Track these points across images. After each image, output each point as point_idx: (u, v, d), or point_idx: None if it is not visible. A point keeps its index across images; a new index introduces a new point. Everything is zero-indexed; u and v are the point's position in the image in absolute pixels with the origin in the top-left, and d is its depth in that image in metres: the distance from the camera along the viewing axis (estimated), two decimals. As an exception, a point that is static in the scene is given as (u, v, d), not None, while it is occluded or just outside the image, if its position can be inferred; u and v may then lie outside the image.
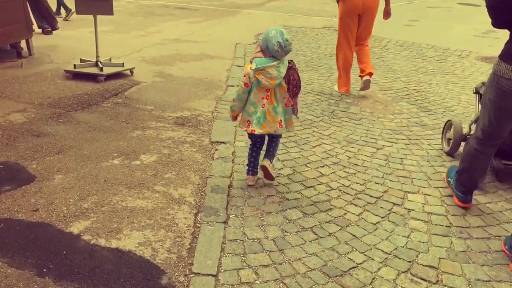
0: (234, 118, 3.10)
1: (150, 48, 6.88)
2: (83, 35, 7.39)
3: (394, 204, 2.99)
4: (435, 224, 2.80)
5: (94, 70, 5.18)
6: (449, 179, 3.20)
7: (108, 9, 5.04)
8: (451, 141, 3.68)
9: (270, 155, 3.08)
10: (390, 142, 3.99)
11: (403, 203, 3.01)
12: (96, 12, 5.06)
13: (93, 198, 2.79)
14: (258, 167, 3.10)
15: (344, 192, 3.10)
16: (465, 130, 3.64)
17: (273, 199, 2.95)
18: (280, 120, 2.89)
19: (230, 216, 2.73)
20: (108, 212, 2.66)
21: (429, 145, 3.98)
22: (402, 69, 6.56)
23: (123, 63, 5.41)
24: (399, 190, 3.18)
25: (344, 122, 4.40)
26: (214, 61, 6.43)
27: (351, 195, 3.06)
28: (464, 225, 2.82)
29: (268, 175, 3.05)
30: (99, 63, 5.28)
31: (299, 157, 3.57)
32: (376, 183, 3.25)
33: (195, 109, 4.51)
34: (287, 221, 2.73)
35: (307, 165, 3.45)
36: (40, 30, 7.37)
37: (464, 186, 2.92)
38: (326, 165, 3.47)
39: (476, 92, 3.60)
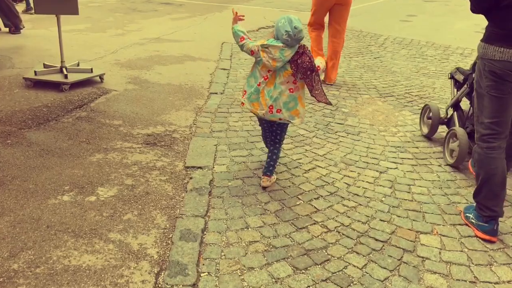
0: (237, 17, 3.02)
1: (127, 49, 6.26)
2: (56, 35, 6.73)
3: (404, 250, 2.45)
4: (457, 279, 2.26)
5: (57, 78, 4.57)
6: (467, 215, 2.73)
7: (72, 8, 4.42)
8: (430, 124, 3.84)
9: (270, 170, 2.95)
10: (394, 163, 3.44)
11: (415, 249, 2.46)
12: (58, 12, 4.44)
13: (28, 254, 2.21)
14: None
15: (343, 234, 2.54)
16: (442, 114, 3.82)
17: (257, 247, 2.39)
18: (271, 106, 2.78)
19: (202, 274, 2.17)
20: (43, 276, 2.08)
21: (439, 166, 3.44)
22: (402, 71, 6.02)
23: (91, 69, 4.80)
24: (409, 229, 2.63)
25: (341, 137, 3.84)
26: (196, 63, 5.84)
27: (352, 238, 2.51)
28: (492, 279, 2.28)
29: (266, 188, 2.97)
30: (64, 69, 4.67)
31: (289, 186, 3.01)
32: (381, 220, 2.70)
33: (170, 124, 3.93)
34: (274, 280, 2.17)
35: (299, 197, 2.89)
36: (7, 29, 6.73)
37: (487, 207, 2.54)
38: (321, 196, 2.91)
39: (451, 77, 3.81)
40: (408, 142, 3.83)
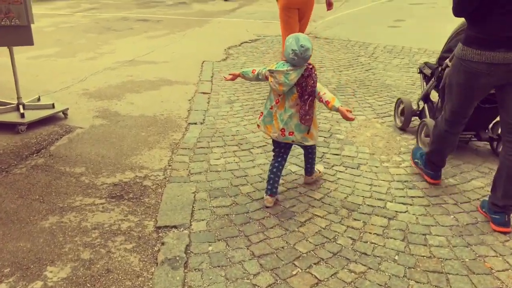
0: (232, 78, 3.00)
1: (97, 76, 5.73)
2: (20, 63, 6.16)
3: (432, 335, 1.94)
4: None
5: (12, 117, 4.03)
6: (415, 160, 3.29)
7: (26, 39, 3.89)
8: (403, 117, 4.08)
9: (308, 171, 3.11)
10: (403, 204, 2.94)
11: (445, 331, 1.96)
12: (10, 43, 3.91)
13: None
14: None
15: (353, 316, 2.03)
16: (415, 107, 4.11)
17: None
18: (283, 129, 2.79)
19: None
20: None
21: (455, 204, 2.96)
22: (397, 84, 5.56)
23: (53, 104, 4.26)
24: (433, 302, 2.13)
25: (339, 173, 3.34)
26: (174, 88, 5.33)
27: (364, 322, 2.00)
28: None
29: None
30: (21, 106, 4.12)
31: (283, 247, 2.49)
32: (398, 290, 2.19)
33: (142, 167, 3.40)
34: None
35: (295, 263, 2.37)
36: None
37: (435, 164, 3.11)
38: (322, 259, 2.40)
39: (420, 72, 4.07)
40: (415, 174, 3.34)
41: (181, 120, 4.37)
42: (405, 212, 2.86)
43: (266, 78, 2.80)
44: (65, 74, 5.78)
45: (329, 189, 3.11)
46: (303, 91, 2.68)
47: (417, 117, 4.06)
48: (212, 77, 5.79)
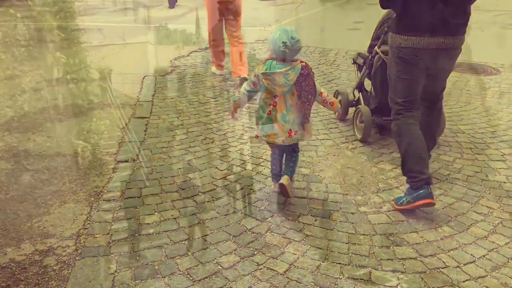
0: (233, 114, 2.88)
1: (14, 100, 4.77)
2: None
3: None
4: None
5: None
6: (400, 202, 2.71)
7: None
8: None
9: (290, 170, 2.82)
10: (393, 272, 2.25)
11: None
12: None
13: None
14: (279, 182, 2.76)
15: None
16: (351, 97, 4.16)
17: None
18: (290, 130, 2.68)
19: None
20: None
21: (457, 267, 2.29)
22: (364, 97, 4.92)
23: None
24: None
25: (307, 226, 2.61)
26: (105, 112, 4.46)
27: None
28: None
29: (285, 193, 2.75)
30: None
31: None
32: None
33: (46, 235, 2.54)
34: None
35: None
36: None
37: (417, 171, 2.65)
38: None
39: (354, 62, 4.15)
40: (401, 221, 2.67)
41: (109, 157, 3.52)
42: (396, 286, 2.15)
43: (255, 86, 2.69)
44: (-27, 99, 4.78)
45: (295, 253, 2.38)
46: (302, 90, 2.60)
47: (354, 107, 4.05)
48: (153, 96, 4.96)
